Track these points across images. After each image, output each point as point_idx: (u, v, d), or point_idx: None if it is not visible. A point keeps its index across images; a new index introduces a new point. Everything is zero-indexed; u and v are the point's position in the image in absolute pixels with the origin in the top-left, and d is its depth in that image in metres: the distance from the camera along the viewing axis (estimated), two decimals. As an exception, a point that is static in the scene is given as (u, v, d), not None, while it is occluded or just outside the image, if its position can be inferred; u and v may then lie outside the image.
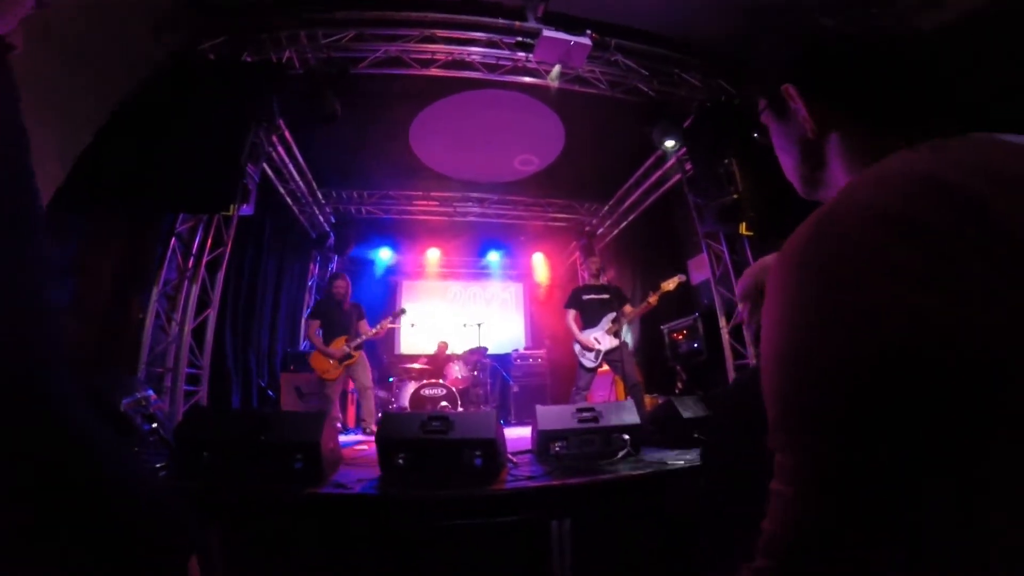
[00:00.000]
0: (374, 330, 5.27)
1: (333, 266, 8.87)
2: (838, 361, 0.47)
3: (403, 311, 5.97)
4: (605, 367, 5.08)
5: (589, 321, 5.11)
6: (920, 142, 0.56)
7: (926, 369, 0.43)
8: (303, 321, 5.23)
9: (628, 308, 4.99)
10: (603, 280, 5.29)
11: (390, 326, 5.59)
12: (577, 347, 5.05)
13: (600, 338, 4.94)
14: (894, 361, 0.44)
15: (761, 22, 4.08)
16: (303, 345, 7.78)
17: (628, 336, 6.46)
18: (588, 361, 4.97)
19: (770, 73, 0.73)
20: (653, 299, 4.79)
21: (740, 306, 1.43)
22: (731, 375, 5.08)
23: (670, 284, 4.78)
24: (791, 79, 0.69)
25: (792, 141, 0.73)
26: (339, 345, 5.06)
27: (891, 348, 0.44)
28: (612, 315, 4.94)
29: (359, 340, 5.14)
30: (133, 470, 0.69)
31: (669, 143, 5.30)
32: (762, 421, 1.08)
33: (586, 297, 5.22)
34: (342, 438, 4.51)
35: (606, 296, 5.09)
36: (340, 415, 5.55)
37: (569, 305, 5.27)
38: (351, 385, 5.25)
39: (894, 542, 0.44)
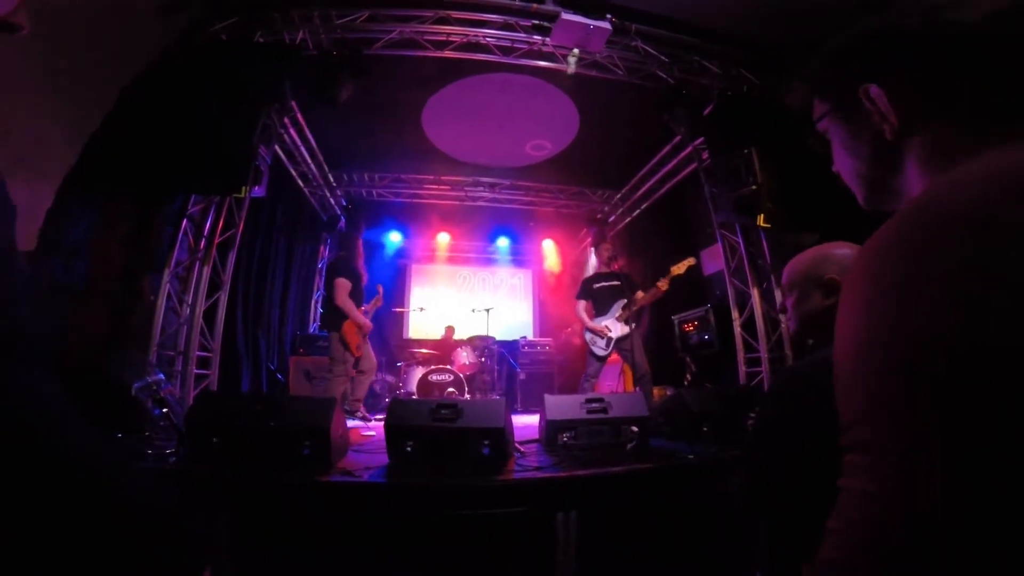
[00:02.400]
0: (370, 305, 5.00)
1: (344, 249, 8.86)
2: (919, 355, 0.46)
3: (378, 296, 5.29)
4: (614, 355, 5.04)
5: (600, 309, 5.08)
6: (1011, 143, 0.55)
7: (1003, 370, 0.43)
8: (335, 282, 4.58)
9: (639, 294, 4.92)
10: (614, 267, 5.24)
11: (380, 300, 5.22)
12: (588, 335, 5.03)
13: (611, 325, 4.92)
14: (973, 359, 0.44)
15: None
16: (312, 327, 7.83)
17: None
18: (599, 349, 4.95)
19: (844, 73, 0.71)
20: (663, 284, 4.73)
21: (785, 296, 1.37)
22: (742, 369, 5.03)
23: (680, 267, 4.74)
24: (874, 78, 0.66)
25: (861, 145, 0.71)
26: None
27: (970, 345, 0.44)
28: (623, 302, 4.90)
29: (370, 308, 4.88)
30: (132, 482, 0.67)
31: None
32: (814, 421, 1.04)
33: (597, 286, 5.18)
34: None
35: (617, 283, 5.02)
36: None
37: (580, 296, 5.25)
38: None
39: (978, 548, 0.43)
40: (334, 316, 4.60)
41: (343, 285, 4.58)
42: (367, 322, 4.60)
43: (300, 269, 7.43)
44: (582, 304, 5.19)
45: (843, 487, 0.52)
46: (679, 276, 4.76)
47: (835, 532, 0.52)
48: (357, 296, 4.66)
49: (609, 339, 4.88)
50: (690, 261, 4.79)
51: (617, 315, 4.92)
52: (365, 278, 4.97)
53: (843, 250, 1.29)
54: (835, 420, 1.02)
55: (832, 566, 0.51)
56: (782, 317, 1.33)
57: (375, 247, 9.02)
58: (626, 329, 4.81)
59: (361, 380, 4.76)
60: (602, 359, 4.98)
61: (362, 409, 4.67)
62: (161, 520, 0.66)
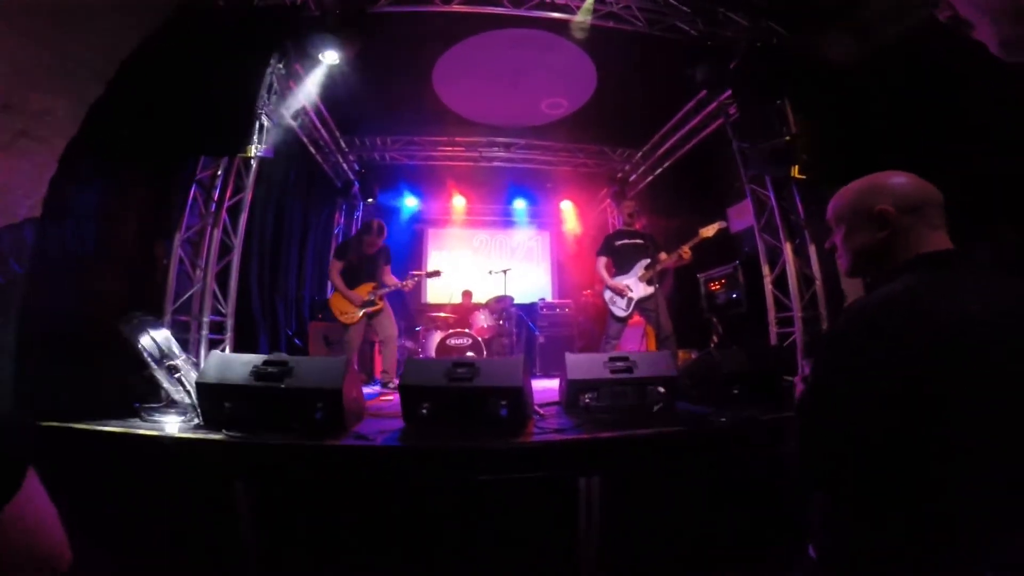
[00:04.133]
0: (402, 283, 5.04)
1: (359, 213, 8.81)
2: None
3: (438, 273, 5.69)
4: (636, 317, 4.86)
5: (621, 268, 4.86)
6: None
7: None
8: (330, 262, 5.08)
9: (663, 255, 4.70)
10: (637, 226, 5.00)
11: (416, 282, 5.33)
12: (608, 294, 4.82)
13: (632, 285, 4.69)
14: None
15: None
16: (330, 292, 7.82)
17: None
18: (619, 310, 4.73)
19: None
20: (686, 253, 4.48)
21: (833, 230, 1.23)
22: (773, 329, 4.83)
23: (709, 230, 4.48)
24: None
25: None
26: (364, 291, 4.86)
27: None
28: (646, 261, 4.67)
29: (385, 289, 4.93)
30: None
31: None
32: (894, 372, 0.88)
33: (619, 243, 4.95)
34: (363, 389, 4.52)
35: (640, 241, 4.81)
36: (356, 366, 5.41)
37: (601, 252, 5.03)
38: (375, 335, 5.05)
39: None
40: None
41: (334, 265, 5.02)
42: (351, 293, 4.86)
43: (315, 235, 7.38)
44: (602, 260, 4.97)
45: None
46: (707, 239, 4.50)
47: None
48: (355, 274, 4.96)
49: (630, 299, 4.65)
50: (720, 224, 4.52)
51: (639, 275, 4.69)
52: (371, 254, 5.06)
53: (898, 179, 1.14)
54: (911, 367, 0.88)
55: None
56: (837, 257, 1.18)
57: (390, 212, 8.90)
58: (649, 290, 4.60)
59: (386, 351, 4.86)
60: (622, 320, 4.76)
61: (396, 380, 4.67)
62: None
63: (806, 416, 1.02)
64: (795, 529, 1.08)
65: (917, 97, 3.58)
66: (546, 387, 4.20)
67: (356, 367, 5.04)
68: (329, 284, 7.81)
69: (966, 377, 0.83)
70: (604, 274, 4.89)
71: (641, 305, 4.67)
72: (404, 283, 5.05)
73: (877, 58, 3.84)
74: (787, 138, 4.27)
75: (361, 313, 4.80)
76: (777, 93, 4.43)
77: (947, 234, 1.08)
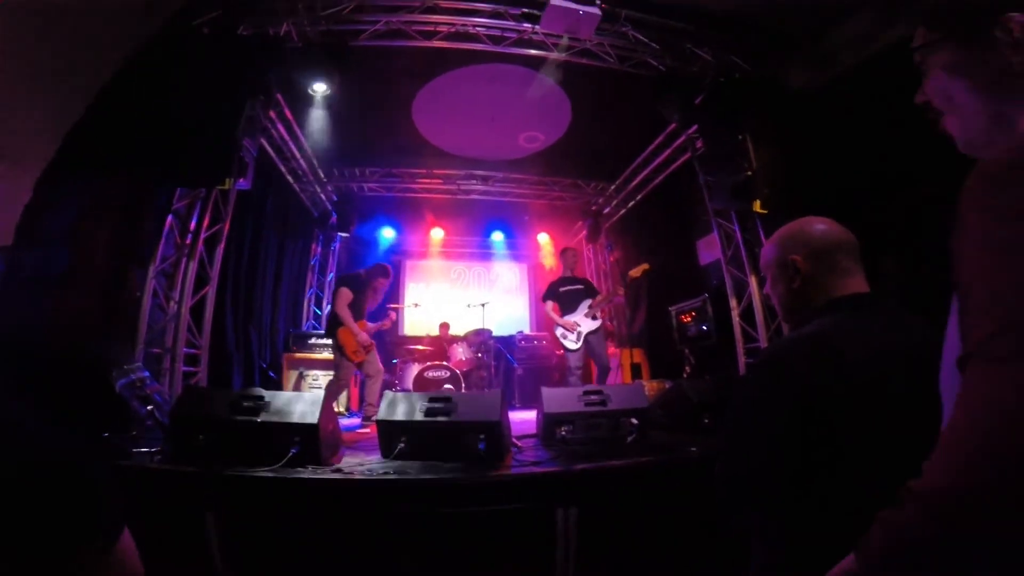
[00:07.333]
0: (379, 324, 5.06)
1: (336, 244, 8.81)
2: None
3: (394, 310, 5.93)
4: (612, 349, 5.11)
5: (566, 309, 5.45)
6: None
7: None
8: (338, 291, 4.69)
9: (600, 297, 5.45)
10: (576, 272, 5.80)
11: (393, 320, 5.45)
12: (559, 331, 5.38)
13: (580, 321, 5.29)
14: None
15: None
16: (306, 325, 7.74)
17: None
18: (571, 343, 5.28)
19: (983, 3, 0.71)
20: (621, 292, 5.41)
21: (766, 275, 1.33)
22: (742, 359, 4.97)
23: (636, 272, 5.24)
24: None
25: (985, 78, 0.70)
26: (364, 328, 4.73)
27: None
28: (588, 301, 5.36)
29: (375, 328, 4.91)
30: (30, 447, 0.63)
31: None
32: (786, 404, 0.99)
33: (562, 289, 5.56)
34: (344, 421, 4.46)
35: (580, 287, 5.53)
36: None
37: (548, 297, 5.69)
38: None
39: None
40: (332, 322, 4.67)
41: (344, 294, 4.65)
42: (361, 333, 4.58)
43: (291, 266, 7.34)
44: (550, 304, 5.63)
45: (966, 401, 0.52)
46: (636, 279, 5.28)
47: (929, 477, 0.52)
48: (356, 309, 4.70)
49: (579, 333, 5.27)
50: (644, 266, 5.23)
51: (585, 312, 5.32)
52: (375, 303, 5.05)
53: (809, 227, 1.22)
54: (816, 399, 0.98)
55: (951, 494, 0.49)
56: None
57: (368, 244, 8.91)
58: (595, 323, 5.28)
59: (371, 385, 4.75)
60: (576, 350, 5.28)
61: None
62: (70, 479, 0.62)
63: (726, 444, 1.13)
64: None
65: (869, 130, 3.80)
66: (524, 419, 4.22)
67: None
68: (305, 319, 7.81)
69: (861, 409, 0.93)
70: (554, 315, 5.55)
71: (588, 337, 5.27)
72: (383, 323, 5.07)
73: (832, 92, 4.08)
74: (749, 172, 4.47)
75: (364, 353, 4.65)
76: (739, 128, 4.66)
77: (863, 276, 1.17)
